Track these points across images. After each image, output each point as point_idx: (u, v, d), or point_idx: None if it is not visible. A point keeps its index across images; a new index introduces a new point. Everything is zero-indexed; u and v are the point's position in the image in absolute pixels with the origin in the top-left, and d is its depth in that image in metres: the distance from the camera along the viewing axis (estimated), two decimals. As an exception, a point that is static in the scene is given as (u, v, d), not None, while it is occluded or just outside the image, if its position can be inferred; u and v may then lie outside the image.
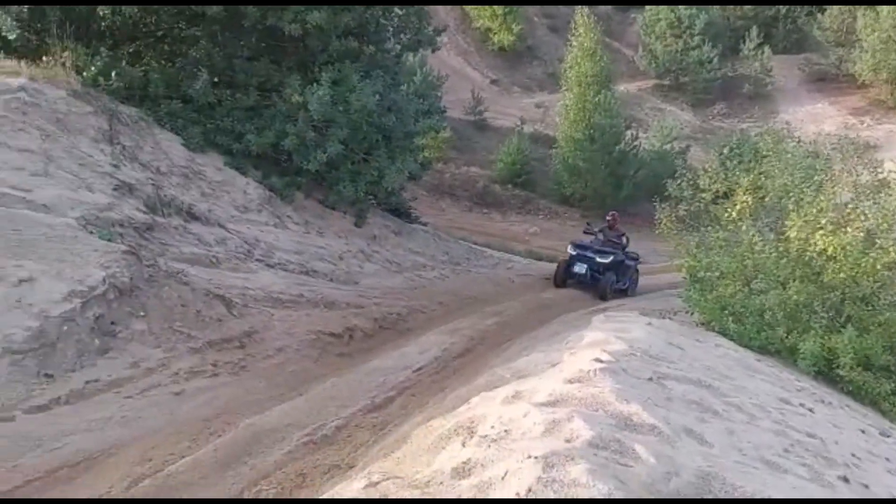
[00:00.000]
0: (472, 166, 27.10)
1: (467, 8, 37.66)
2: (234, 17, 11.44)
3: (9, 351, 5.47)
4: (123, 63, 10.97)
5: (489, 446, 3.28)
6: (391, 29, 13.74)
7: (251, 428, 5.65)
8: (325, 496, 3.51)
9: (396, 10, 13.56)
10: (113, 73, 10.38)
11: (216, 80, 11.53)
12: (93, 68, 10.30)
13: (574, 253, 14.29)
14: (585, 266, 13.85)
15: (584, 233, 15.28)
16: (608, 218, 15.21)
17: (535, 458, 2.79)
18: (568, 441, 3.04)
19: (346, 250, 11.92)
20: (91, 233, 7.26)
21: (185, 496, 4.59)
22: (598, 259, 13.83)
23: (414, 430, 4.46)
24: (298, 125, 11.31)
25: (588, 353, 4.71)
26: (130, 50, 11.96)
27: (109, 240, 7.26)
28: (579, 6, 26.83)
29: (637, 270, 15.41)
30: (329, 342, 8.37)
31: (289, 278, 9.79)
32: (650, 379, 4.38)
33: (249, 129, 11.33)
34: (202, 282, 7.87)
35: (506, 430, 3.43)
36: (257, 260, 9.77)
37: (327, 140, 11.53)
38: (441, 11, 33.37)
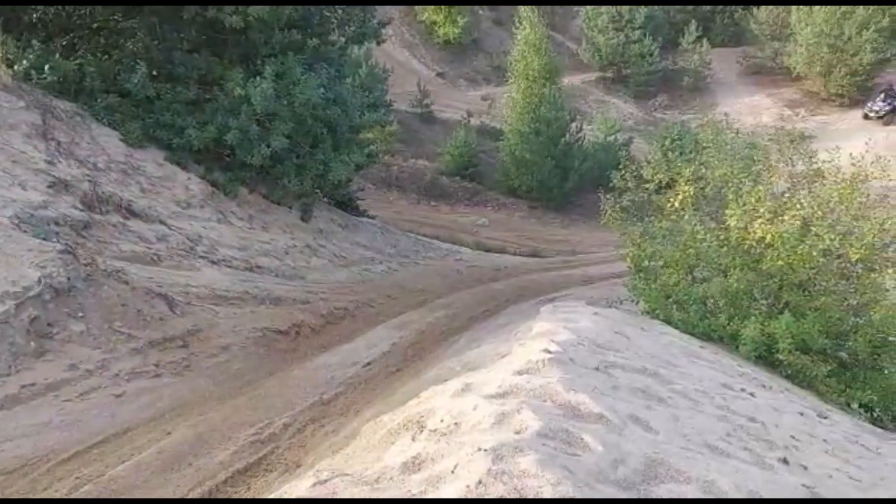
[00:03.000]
0: (420, 159, 27.04)
1: None
2: (172, 9, 11.12)
3: (-63, 356, 5.24)
4: (57, 56, 10.54)
5: (439, 440, 3.26)
6: (335, 21, 13.55)
7: (195, 428, 5.55)
8: (272, 496, 3.45)
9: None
10: (46, 67, 9.99)
11: (155, 73, 11.17)
12: (24, 62, 9.89)
13: None
14: None
15: None
16: None
17: (485, 450, 2.79)
18: (517, 433, 3.05)
19: (291, 245, 11.75)
20: (25, 232, 6.98)
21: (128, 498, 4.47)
22: None
23: (363, 426, 4.43)
24: (241, 119, 11.06)
25: (537, 344, 4.73)
26: (64, 42, 11.49)
27: (45, 239, 6.99)
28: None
29: None
30: (275, 339, 8.25)
31: (233, 275, 9.61)
32: (597, 368, 4.43)
33: (190, 123, 11.03)
34: (143, 280, 7.66)
35: (455, 424, 3.42)
36: (200, 257, 9.54)
37: (271, 134, 11.31)
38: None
